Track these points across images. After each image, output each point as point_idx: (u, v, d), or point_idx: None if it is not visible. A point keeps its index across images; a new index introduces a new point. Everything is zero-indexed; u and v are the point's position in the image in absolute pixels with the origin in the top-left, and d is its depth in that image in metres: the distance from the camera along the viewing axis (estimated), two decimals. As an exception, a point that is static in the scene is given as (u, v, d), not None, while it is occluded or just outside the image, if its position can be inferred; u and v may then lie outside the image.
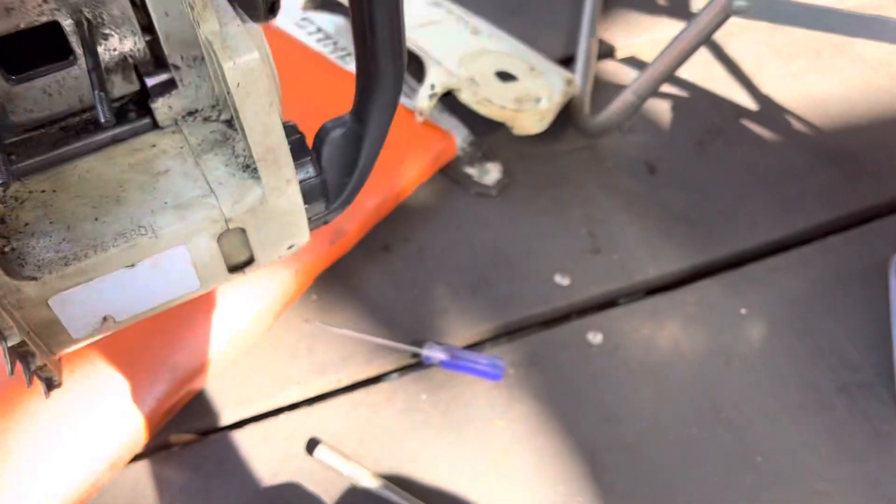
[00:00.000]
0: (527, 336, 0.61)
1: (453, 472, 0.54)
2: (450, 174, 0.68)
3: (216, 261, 0.41)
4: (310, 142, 0.45)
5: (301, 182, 0.41)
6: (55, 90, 0.39)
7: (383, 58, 0.40)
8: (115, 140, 0.40)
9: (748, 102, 0.76)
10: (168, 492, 0.52)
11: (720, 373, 0.60)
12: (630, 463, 0.56)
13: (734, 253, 0.67)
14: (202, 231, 0.39)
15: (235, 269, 0.42)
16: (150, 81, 0.40)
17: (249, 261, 0.42)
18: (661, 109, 0.75)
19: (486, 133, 0.71)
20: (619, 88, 0.75)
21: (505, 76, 0.66)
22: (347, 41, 0.75)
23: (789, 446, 0.58)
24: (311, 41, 0.72)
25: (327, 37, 0.75)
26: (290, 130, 0.42)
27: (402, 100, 0.70)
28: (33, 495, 0.48)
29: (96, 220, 0.38)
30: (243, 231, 0.40)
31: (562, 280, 0.63)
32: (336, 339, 0.59)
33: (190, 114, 0.40)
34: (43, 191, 0.39)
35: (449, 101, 0.73)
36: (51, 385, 0.40)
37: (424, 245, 0.65)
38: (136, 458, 0.53)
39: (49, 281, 0.37)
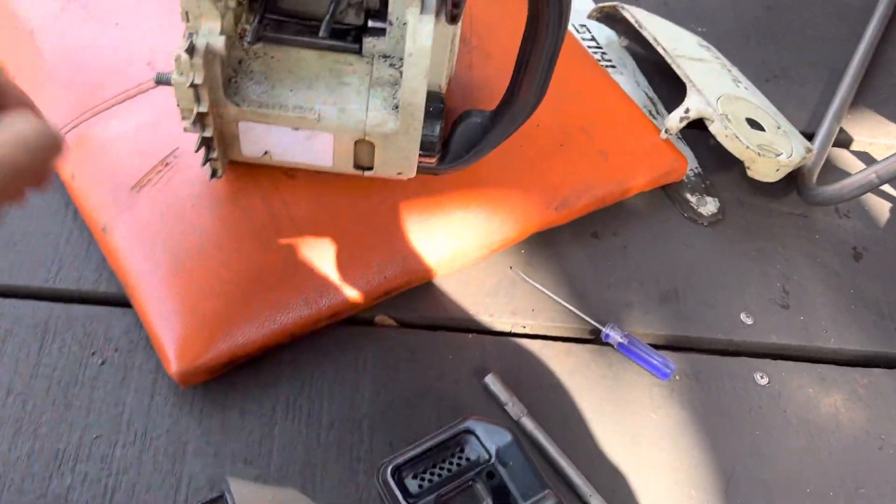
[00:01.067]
0: (700, 355, 0.65)
1: (599, 443, 0.59)
2: (670, 194, 0.74)
3: (348, 155, 0.56)
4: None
5: (423, 136, 0.56)
6: (311, 1, 0.54)
7: (527, 91, 0.54)
8: (331, 48, 0.55)
9: (968, 231, 0.78)
10: (362, 357, 0.60)
11: (872, 454, 0.62)
12: (762, 496, 0.59)
13: (916, 356, 0.68)
14: (347, 132, 0.54)
15: (359, 167, 0.58)
16: (371, 23, 0.55)
17: (370, 167, 0.57)
18: (879, 206, 0.78)
19: (714, 171, 0.76)
20: (844, 173, 0.78)
21: (754, 124, 0.71)
22: (613, 55, 0.83)
23: (920, 544, 0.59)
24: (583, 45, 0.80)
25: (598, 46, 0.82)
26: (437, 99, 0.56)
27: (652, 118, 0.76)
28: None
29: (291, 90, 0.54)
30: (373, 146, 0.55)
31: (746, 319, 0.67)
32: (531, 292, 0.65)
33: (384, 56, 0.55)
34: (272, 56, 0.55)
35: (688, 133, 0.79)
36: (215, 174, 0.57)
37: (630, 244, 0.70)
38: (345, 322, 0.61)
39: (244, 111, 0.52)
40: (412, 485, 0.49)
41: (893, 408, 0.65)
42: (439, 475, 0.50)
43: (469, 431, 0.52)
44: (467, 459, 0.51)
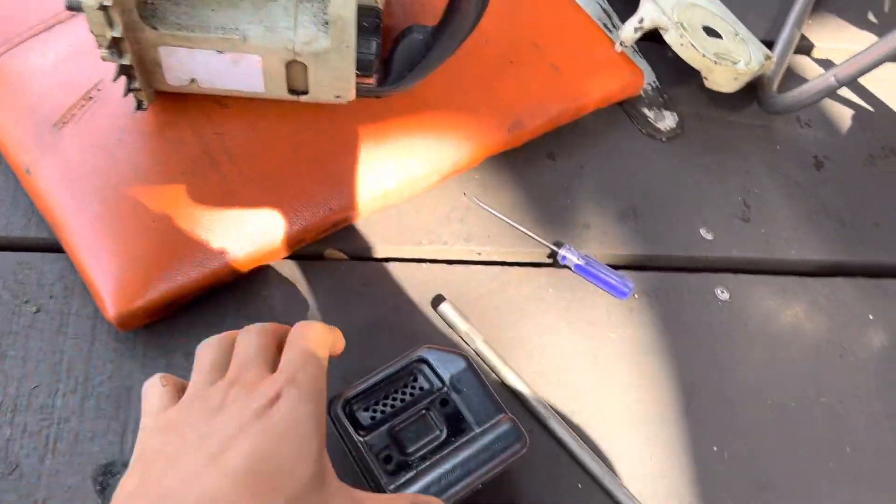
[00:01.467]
0: (659, 272, 0.64)
1: (558, 364, 0.58)
2: (627, 109, 0.71)
3: (280, 78, 0.53)
4: None
5: (359, 53, 0.52)
6: None
7: (467, 4, 0.50)
8: None
9: (930, 135, 0.76)
10: (316, 291, 0.58)
11: (832, 363, 0.62)
12: (724, 409, 0.58)
13: (877, 264, 0.68)
14: (275, 53, 0.51)
15: (293, 91, 0.54)
16: None
17: (305, 91, 0.54)
18: (840, 114, 0.76)
19: (672, 84, 0.73)
20: (805, 80, 0.76)
21: (711, 32, 0.68)
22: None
23: (881, 449, 0.59)
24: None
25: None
26: (372, 13, 0.52)
27: (607, 31, 0.73)
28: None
29: (213, 10, 0.50)
30: (305, 67, 0.52)
31: (706, 234, 0.66)
32: (485, 218, 0.63)
33: None
34: None
35: (645, 46, 0.76)
36: (140, 105, 0.54)
37: (586, 164, 0.68)
38: (295, 257, 0.59)
39: (163, 34, 0.49)
40: (364, 417, 0.48)
41: (854, 316, 0.65)
42: (392, 406, 0.48)
43: (422, 360, 0.50)
44: (420, 389, 0.49)
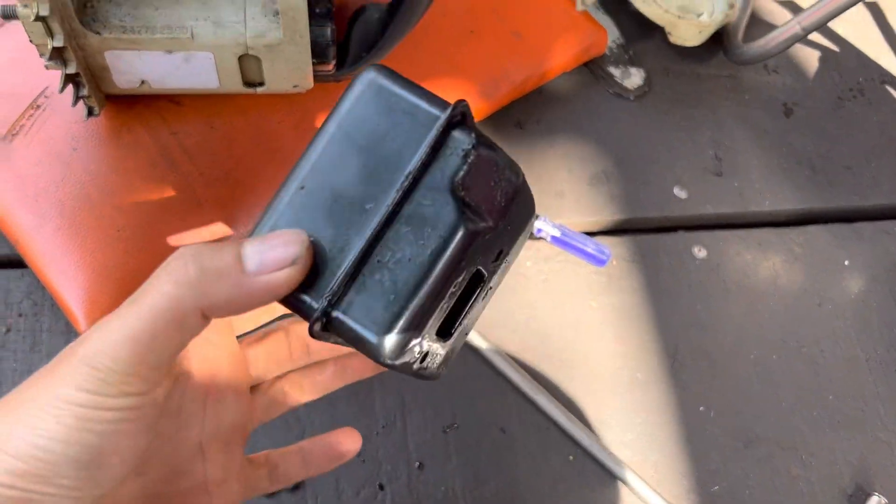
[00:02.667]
0: (635, 236, 0.64)
1: (541, 336, 0.58)
2: (593, 70, 0.70)
3: (234, 73, 0.51)
4: None
5: (314, 41, 0.50)
6: None
7: None
8: None
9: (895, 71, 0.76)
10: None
11: (811, 312, 0.62)
12: (707, 368, 0.59)
13: (850, 208, 0.68)
14: (227, 48, 0.48)
15: (249, 84, 0.52)
16: None
17: (262, 83, 0.52)
18: (808, 57, 0.76)
19: (637, 40, 0.72)
20: (770, 26, 0.75)
21: (672, -16, 0.67)
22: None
23: (862, 393, 0.60)
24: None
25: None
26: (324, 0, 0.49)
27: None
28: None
29: (156, 9, 0.48)
30: (259, 60, 0.50)
31: (680, 192, 0.65)
32: (458, 194, 0.62)
33: None
34: None
35: (607, 2, 0.74)
36: (91, 112, 0.51)
37: (555, 129, 0.67)
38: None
39: (108, 39, 0.47)
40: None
41: (829, 263, 0.65)
42: None
43: None
44: None
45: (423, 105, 0.30)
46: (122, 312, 0.27)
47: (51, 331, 0.53)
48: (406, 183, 0.28)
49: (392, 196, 0.28)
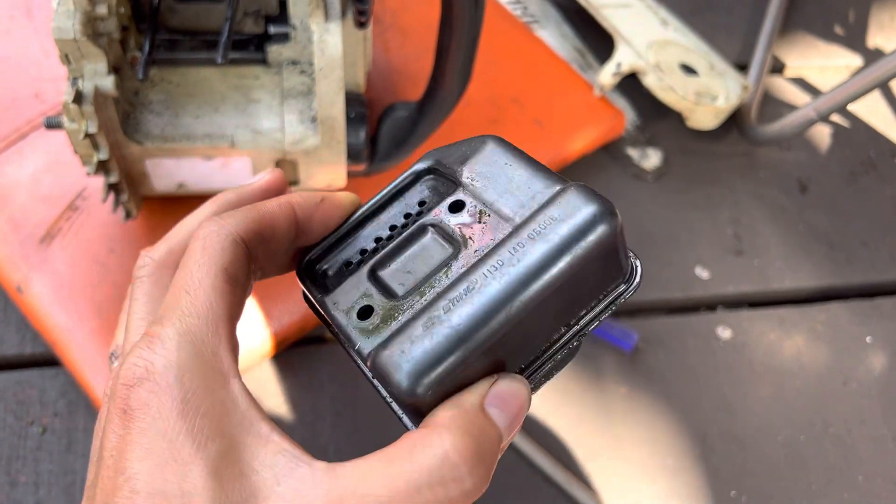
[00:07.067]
0: (660, 317, 0.64)
1: (570, 424, 0.58)
2: (611, 152, 0.71)
3: None
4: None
5: (349, 144, 0.52)
6: (203, 14, 0.50)
7: (451, 79, 0.50)
8: (233, 62, 0.50)
9: (906, 144, 0.78)
10: (318, 379, 0.57)
11: (836, 391, 0.63)
12: (737, 453, 0.59)
13: (869, 283, 0.69)
14: (265, 153, 0.50)
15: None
16: (272, 29, 0.50)
17: (296, 182, 0.54)
18: (820, 134, 0.77)
19: (653, 121, 0.74)
20: (781, 103, 0.77)
21: (688, 69, 0.69)
22: (536, 9, 0.79)
23: (891, 473, 0.60)
24: (504, 1, 0.76)
25: (518, 1, 0.78)
26: (358, 102, 0.52)
27: (581, 73, 0.73)
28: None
29: (196, 118, 0.50)
30: (296, 163, 0.52)
31: (702, 272, 0.66)
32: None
33: (293, 62, 0.50)
34: (170, 82, 0.50)
35: (622, 83, 0.76)
36: (129, 215, 0.53)
37: (577, 212, 0.68)
38: (294, 345, 0.58)
39: (149, 148, 0.49)
40: (339, 272, 0.33)
41: (852, 340, 0.65)
42: (381, 242, 0.32)
43: (429, 171, 0.33)
44: (420, 204, 0.32)
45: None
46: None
47: (86, 430, 0.53)
48: None
49: None
